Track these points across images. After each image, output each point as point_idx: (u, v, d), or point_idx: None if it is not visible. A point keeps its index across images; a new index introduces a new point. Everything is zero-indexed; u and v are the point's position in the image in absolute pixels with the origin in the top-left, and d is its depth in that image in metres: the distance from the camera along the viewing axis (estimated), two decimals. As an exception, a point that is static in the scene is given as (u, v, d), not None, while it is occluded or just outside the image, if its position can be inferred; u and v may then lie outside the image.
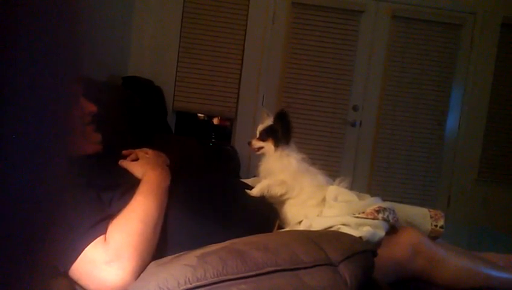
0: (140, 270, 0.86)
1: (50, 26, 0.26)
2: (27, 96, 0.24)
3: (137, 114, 2.34)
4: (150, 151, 1.20)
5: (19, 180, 0.24)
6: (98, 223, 0.87)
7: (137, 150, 1.20)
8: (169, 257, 0.90)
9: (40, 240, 0.28)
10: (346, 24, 3.57)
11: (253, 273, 0.72)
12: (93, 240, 0.84)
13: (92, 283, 0.83)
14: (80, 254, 0.82)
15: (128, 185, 1.00)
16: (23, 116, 0.24)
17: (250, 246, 0.79)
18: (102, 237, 0.86)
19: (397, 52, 3.61)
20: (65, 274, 0.84)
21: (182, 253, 0.91)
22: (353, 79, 3.60)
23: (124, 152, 1.18)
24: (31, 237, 0.26)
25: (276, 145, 1.35)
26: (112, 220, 0.90)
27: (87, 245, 0.83)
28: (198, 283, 0.69)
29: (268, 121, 1.40)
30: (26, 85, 0.24)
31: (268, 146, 1.37)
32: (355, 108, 3.60)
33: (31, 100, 0.24)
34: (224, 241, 0.87)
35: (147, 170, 1.05)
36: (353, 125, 3.61)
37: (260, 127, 1.41)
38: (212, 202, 1.12)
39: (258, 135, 1.40)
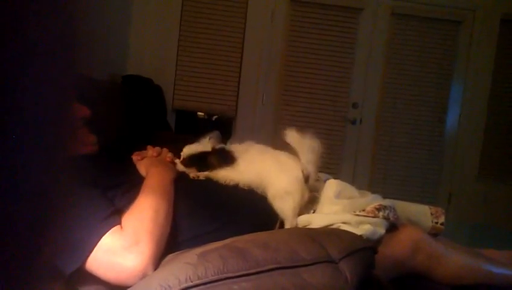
0: (158, 256, 0.87)
1: (47, 26, 0.26)
2: (20, 99, 0.24)
3: (137, 113, 2.34)
4: (164, 151, 1.25)
5: (16, 180, 0.24)
6: (111, 215, 0.88)
7: (149, 148, 1.24)
8: (169, 256, 0.90)
9: (47, 237, 0.28)
10: (346, 21, 3.57)
11: (254, 270, 0.72)
12: (108, 230, 0.85)
13: (112, 271, 0.84)
14: (96, 244, 0.83)
15: (130, 184, 1.01)
16: (18, 118, 0.24)
17: (251, 243, 0.80)
18: (118, 226, 0.87)
19: (396, 50, 3.61)
20: (81, 269, 0.84)
21: (182, 251, 0.91)
22: (353, 76, 3.59)
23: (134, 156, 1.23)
24: (35, 235, 0.27)
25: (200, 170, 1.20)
26: (123, 213, 0.91)
27: (103, 235, 0.84)
28: (199, 281, 0.70)
29: (203, 146, 1.22)
30: (19, 87, 0.24)
31: (190, 172, 1.21)
32: (355, 105, 3.60)
33: (23, 102, 0.24)
34: (224, 239, 0.87)
35: (149, 167, 1.10)
36: (353, 122, 3.61)
37: (187, 150, 1.22)
38: (212, 200, 1.12)
39: (181, 158, 1.22)
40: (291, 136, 1.17)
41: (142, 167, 1.13)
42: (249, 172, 1.20)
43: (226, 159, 1.19)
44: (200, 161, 1.20)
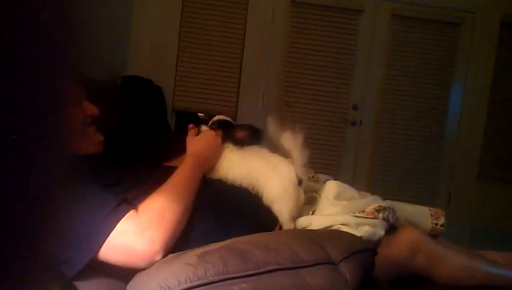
0: (169, 245, 0.88)
1: (49, 26, 0.26)
2: (27, 99, 0.24)
3: (137, 114, 2.34)
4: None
5: (22, 179, 0.24)
6: (122, 203, 0.89)
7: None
8: (169, 256, 0.90)
9: (56, 232, 0.28)
10: (346, 23, 3.57)
11: (254, 272, 0.72)
12: (122, 216, 0.86)
13: (122, 253, 0.85)
14: (109, 232, 0.84)
15: (131, 182, 1.01)
16: (24, 118, 0.24)
17: (251, 245, 0.80)
18: (132, 211, 0.88)
19: (397, 51, 3.61)
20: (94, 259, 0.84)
21: (182, 252, 0.91)
22: (353, 78, 3.59)
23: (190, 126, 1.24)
24: (44, 229, 0.27)
25: (224, 140, 1.23)
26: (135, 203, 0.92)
27: (117, 222, 0.85)
28: (198, 282, 0.70)
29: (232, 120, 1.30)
30: (26, 87, 0.24)
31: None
32: (355, 107, 3.60)
33: (31, 102, 0.24)
34: (225, 240, 0.87)
35: (190, 154, 1.11)
36: (353, 124, 3.61)
37: (218, 117, 1.29)
38: (213, 201, 1.12)
39: (209, 124, 1.28)
40: (286, 138, 1.20)
41: (188, 146, 1.15)
42: (240, 167, 1.20)
43: (257, 137, 1.22)
44: (228, 129, 1.23)
